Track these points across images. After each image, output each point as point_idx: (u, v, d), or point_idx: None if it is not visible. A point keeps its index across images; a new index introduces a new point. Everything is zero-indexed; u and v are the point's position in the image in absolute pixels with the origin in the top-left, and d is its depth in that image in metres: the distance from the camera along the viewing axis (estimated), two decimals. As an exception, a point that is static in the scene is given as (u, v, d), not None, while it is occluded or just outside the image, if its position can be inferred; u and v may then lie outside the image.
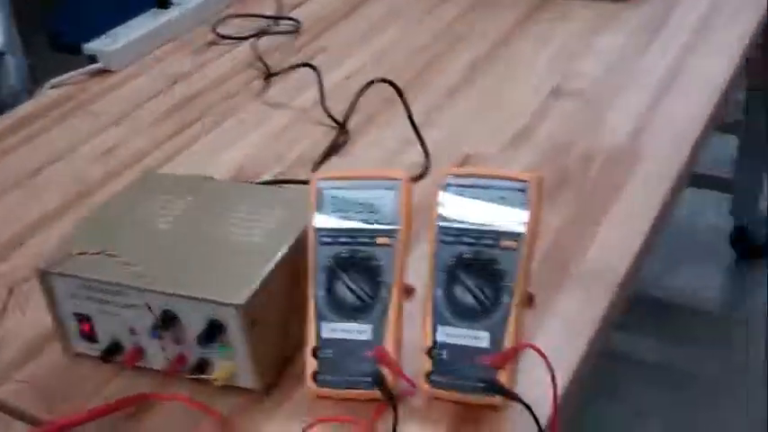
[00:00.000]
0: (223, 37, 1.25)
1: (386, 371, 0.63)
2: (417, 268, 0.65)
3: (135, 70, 1.19)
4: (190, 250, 0.67)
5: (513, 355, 0.61)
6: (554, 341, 0.67)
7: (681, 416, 1.47)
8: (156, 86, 1.15)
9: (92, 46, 1.20)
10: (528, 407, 0.60)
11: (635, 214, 0.82)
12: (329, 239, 0.65)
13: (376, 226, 0.65)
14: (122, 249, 0.67)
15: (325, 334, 0.64)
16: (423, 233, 0.65)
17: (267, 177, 0.92)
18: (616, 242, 0.79)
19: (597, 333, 0.69)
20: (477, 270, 0.63)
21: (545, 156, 0.92)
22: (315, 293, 0.65)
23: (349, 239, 0.65)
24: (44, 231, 0.87)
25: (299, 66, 1.10)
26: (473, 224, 0.63)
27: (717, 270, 1.84)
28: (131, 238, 0.69)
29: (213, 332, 0.63)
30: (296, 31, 1.25)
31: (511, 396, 0.61)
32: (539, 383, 0.61)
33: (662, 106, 0.98)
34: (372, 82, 0.90)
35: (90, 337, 0.68)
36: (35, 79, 1.80)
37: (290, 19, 1.27)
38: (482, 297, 0.62)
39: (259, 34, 1.23)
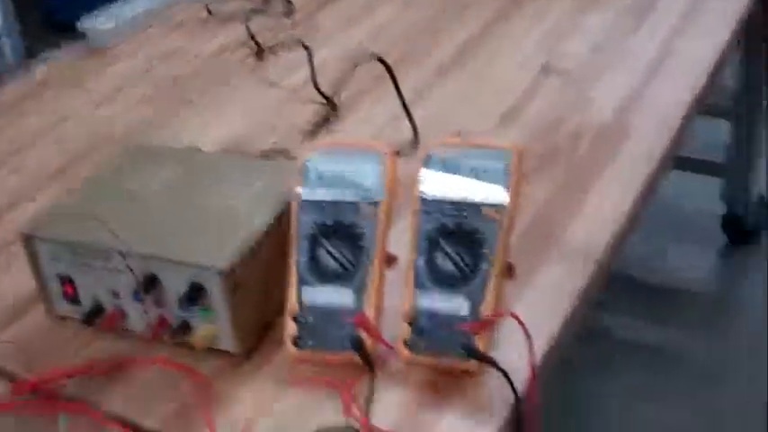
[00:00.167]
0: (216, 16, 1.25)
1: (365, 336, 0.63)
2: (402, 239, 0.66)
3: (127, 48, 1.20)
4: (175, 216, 0.68)
5: (491, 321, 0.62)
6: (533, 311, 0.68)
7: (671, 396, 1.48)
8: (148, 64, 1.15)
9: (84, 24, 1.21)
10: (504, 372, 0.60)
11: (619, 191, 0.83)
12: (313, 208, 0.66)
13: (360, 196, 0.65)
14: (108, 215, 0.68)
15: (307, 299, 0.65)
16: (409, 206, 0.66)
17: (256, 151, 0.92)
18: (599, 217, 0.79)
19: (576, 304, 0.70)
20: (459, 239, 0.63)
21: (534, 133, 0.92)
22: (297, 260, 0.65)
23: (333, 208, 0.65)
24: (32, 201, 0.88)
25: (290, 44, 1.11)
26: (455, 194, 0.64)
27: (708, 254, 1.85)
28: (117, 205, 0.70)
29: (195, 296, 0.63)
30: (289, 10, 1.26)
31: (487, 361, 0.61)
32: (517, 351, 0.62)
33: (649, 86, 0.99)
34: (362, 57, 0.91)
35: (73, 299, 0.69)
36: (31, 58, 1.81)
37: (283, 0, 1.28)
38: (462, 265, 0.63)
39: (252, 13, 1.23)
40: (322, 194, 0.66)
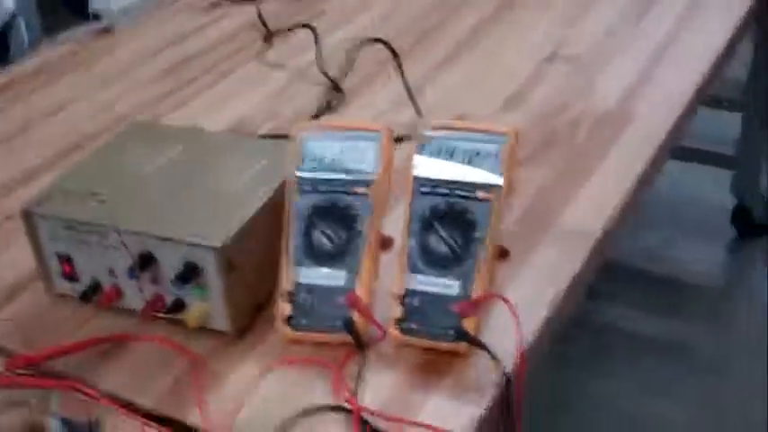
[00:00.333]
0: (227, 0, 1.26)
1: (357, 316, 0.64)
2: (400, 222, 0.66)
3: (138, 29, 1.21)
4: (173, 195, 0.68)
5: (481, 303, 0.62)
6: (525, 294, 0.68)
7: (677, 388, 1.48)
8: (157, 45, 1.16)
9: (96, 5, 1.22)
10: (492, 354, 0.61)
11: (617, 177, 0.82)
12: (308, 188, 0.66)
13: (354, 176, 0.66)
14: (107, 193, 0.68)
15: (301, 279, 0.65)
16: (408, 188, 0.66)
17: (260, 132, 0.93)
18: (595, 202, 0.79)
19: (568, 288, 0.70)
20: (451, 220, 0.63)
21: (535, 118, 0.92)
22: (292, 240, 0.66)
23: (328, 188, 0.66)
24: (37, 179, 0.89)
25: (297, 27, 1.11)
26: (449, 175, 0.64)
27: (716, 247, 1.83)
28: (117, 183, 0.70)
29: (189, 274, 0.64)
30: (299, -6, 1.26)
31: (476, 343, 0.62)
32: (508, 333, 0.62)
33: (652, 75, 0.98)
34: (366, 42, 0.91)
35: (71, 277, 0.69)
36: (49, 38, 1.82)
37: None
38: (455, 246, 0.63)
39: (261, -3, 1.23)
40: (317, 176, 0.66)
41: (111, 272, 0.68)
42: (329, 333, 0.64)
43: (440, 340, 0.63)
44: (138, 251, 0.65)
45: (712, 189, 1.88)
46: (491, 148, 0.64)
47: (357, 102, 0.99)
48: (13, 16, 1.96)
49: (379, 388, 0.62)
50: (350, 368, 0.63)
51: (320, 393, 0.61)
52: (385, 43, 0.94)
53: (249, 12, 1.20)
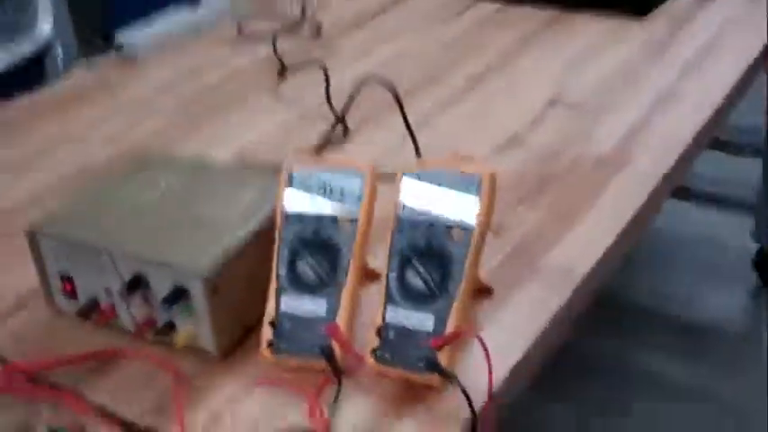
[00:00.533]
0: (246, 34, 1.30)
1: (336, 345, 0.66)
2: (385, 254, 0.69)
3: (158, 61, 1.26)
4: (168, 222, 0.72)
5: (454, 338, 0.64)
6: (502, 332, 0.71)
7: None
8: (177, 76, 1.21)
9: (121, 36, 1.27)
10: (462, 388, 0.63)
11: (608, 219, 0.84)
12: (295, 220, 0.69)
13: (338, 211, 0.69)
14: (106, 217, 0.72)
15: (284, 307, 0.68)
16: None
17: (262, 164, 0.96)
18: (584, 244, 0.81)
19: (547, 329, 0.72)
20: (429, 257, 0.66)
21: (531, 161, 0.95)
22: (278, 269, 0.69)
23: (313, 221, 0.69)
24: (47, 201, 0.93)
25: (311, 65, 1.15)
26: (428, 214, 0.67)
27: (739, 293, 1.84)
28: (117, 209, 0.74)
29: (177, 296, 0.67)
30: (317, 33, 1.30)
31: (447, 376, 0.64)
32: (484, 371, 0.64)
33: (652, 121, 1.00)
34: (364, 82, 0.94)
35: (71, 295, 0.73)
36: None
37: (313, 21, 1.32)
38: (431, 283, 0.66)
39: (280, 33, 1.28)
40: (304, 208, 0.69)
41: (108, 291, 0.71)
42: (308, 359, 0.67)
43: (413, 372, 0.65)
44: (132, 273, 0.69)
45: (736, 234, 1.89)
46: (470, 188, 0.67)
47: (360, 138, 1.02)
48: (50, 41, 2.03)
49: (352, 414, 0.64)
50: (327, 394, 0.66)
51: (296, 416, 0.64)
52: (386, 84, 0.97)
53: (268, 48, 1.25)
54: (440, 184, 0.67)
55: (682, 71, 1.11)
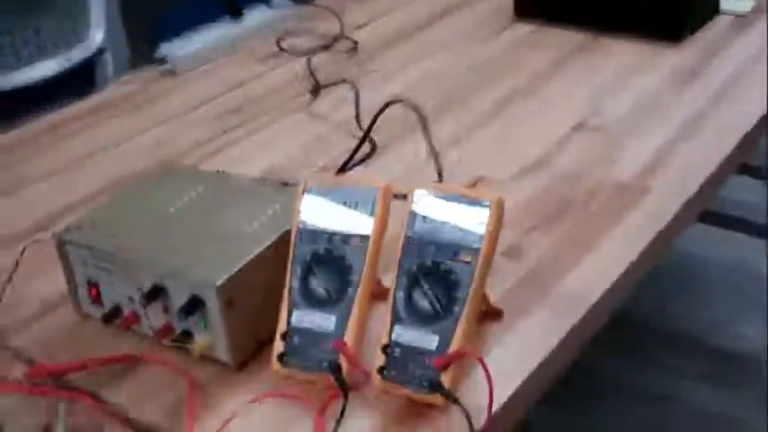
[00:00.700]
0: (284, 50, 1.34)
1: (343, 361, 0.69)
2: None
3: (198, 74, 1.30)
4: (187, 233, 0.75)
5: (456, 358, 0.66)
6: (508, 356, 0.72)
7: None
8: (213, 91, 1.24)
9: (163, 49, 1.31)
10: (464, 409, 0.64)
11: (625, 245, 0.85)
12: (309, 237, 0.72)
13: (351, 229, 0.71)
14: (130, 227, 0.76)
15: (295, 321, 0.70)
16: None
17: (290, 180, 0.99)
18: (598, 270, 0.82)
19: (553, 353, 0.73)
20: (436, 278, 0.68)
21: (553, 184, 0.96)
22: (291, 284, 0.71)
23: (326, 238, 0.71)
24: (80, 210, 0.97)
25: (340, 83, 1.18)
26: (436, 235, 0.69)
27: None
28: (141, 219, 0.77)
29: (194, 307, 0.70)
30: (353, 50, 1.33)
31: (449, 397, 0.66)
32: (486, 392, 0.65)
33: (678, 147, 1.01)
34: (392, 102, 0.96)
35: (96, 300, 0.76)
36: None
37: (350, 39, 1.35)
38: (437, 304, 0.67)
39: (316, 51, 1.31)
40: (318, 224, 0.72)
41: (131, 299, 0.74)
42: (316, 374, 0.69)
43: (417, 391, 0.67)
44: (152, 282, 0.72)
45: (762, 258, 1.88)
46: (479, 212, 0.68)
47: (386, 157, 1.04)
48: (101, 50, 2.09)
49: (356, 431, 0.66)
50: (333, 408, 0.68)
51: (302, 429, 0.66)
52: (412, 106, 0.99)
53: (304, 65, 1.28)
54: (450, 207, 0.69)
55: (712, 98, 1.11)
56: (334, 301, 0.70)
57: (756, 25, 1.31)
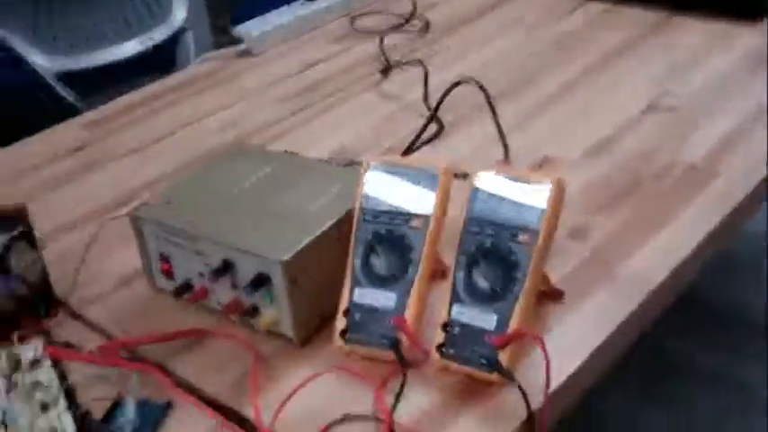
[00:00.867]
0: (358, 31, 1.35)
1: (403, 338, 0.70)
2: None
3: (274, 54, 1.32)
4: (255, 212, 0.77)
5: (514, 338, 0.67)
6: (568, 336, 0.72)
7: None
8: (286, 71, 1.27)
9: (240, 29, 1.34)
10: (521, 387, 0.65)
11: (690, 230, 0.84)
12: (371, 217, 0.73)
13: (412, 210, 0.72)
14: (200, 205, 0.79)
15: (357, 298, 0.72)
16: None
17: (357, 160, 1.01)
18: (663, 251, 0.81)
19: (613, 335, 0.73)
20: (495, 259, 0.69)
21: (621, 165, 0.95)
22: (353, 262, 0.73)
23: (388, 219, 0.73)
24: (156, 187, 1.01)
25: (411, 62, 1.18)
26: (496, 217, 0.69)
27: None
28: (211, 197, 0.80)
29: (260, 283, 0.72)
30: (425, 30, 1.34)
31: (507, 375, 0.66)
32: (544, 371, 0.66)
33: (748, 134, 0.98)
34: (459, 83, 0.97)
35: (168, 275, 0.80)
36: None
37: (423, 18, 1.36)
38: (496, 283, 0.68)
39: (389, 31, 1.32)
40: (379, 206, 0.73)
41: (201, 274, 0.77)
42: (377, 350, 0.71)
43: (475, 368, 0.68)
44: (221, 259, 0.74)
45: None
46: (538, 195, 0.69)
47: (454, 136, 1.05)
48: (183, 30, 2.15)
49: (415, 406, 0.68)
50: (393, 384, 0.69)
51: (362, 403, 0.68)
52: (478, 84, 0.99)
53: (375, 44, 1.29)
54: (510, 188, 0.70)
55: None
56: (394, 279, 0.71)
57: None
